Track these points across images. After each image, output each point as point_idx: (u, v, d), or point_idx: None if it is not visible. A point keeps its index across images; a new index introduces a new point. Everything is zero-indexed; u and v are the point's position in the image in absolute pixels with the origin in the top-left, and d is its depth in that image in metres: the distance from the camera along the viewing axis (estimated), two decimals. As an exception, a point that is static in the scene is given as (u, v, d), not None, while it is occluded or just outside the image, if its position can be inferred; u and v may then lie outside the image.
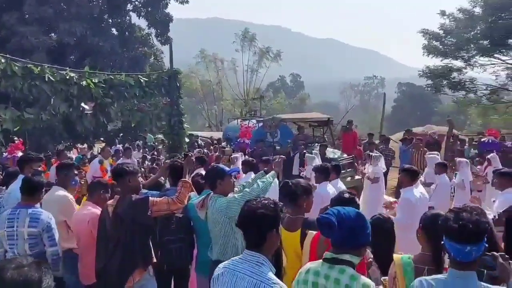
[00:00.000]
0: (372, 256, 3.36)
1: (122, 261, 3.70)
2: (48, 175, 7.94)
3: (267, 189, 4.01)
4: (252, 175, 5.25)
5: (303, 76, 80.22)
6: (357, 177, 11.30)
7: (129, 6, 27.33)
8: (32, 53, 20.25)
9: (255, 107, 27.31)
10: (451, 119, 14.45)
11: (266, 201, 2.44)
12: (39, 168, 5.27)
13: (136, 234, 3.75)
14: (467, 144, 13.68)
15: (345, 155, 12.44)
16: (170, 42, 20.35)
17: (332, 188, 5.93)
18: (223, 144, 14.34)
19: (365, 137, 15.55)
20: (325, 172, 6.02)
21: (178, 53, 18.50)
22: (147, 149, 16.31)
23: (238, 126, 15.92)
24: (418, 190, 5.60)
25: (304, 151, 10.86)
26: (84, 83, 14.60)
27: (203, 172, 5.84)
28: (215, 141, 15.31)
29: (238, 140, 13.32)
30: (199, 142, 16.73)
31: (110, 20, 27.20)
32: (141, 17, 27.50)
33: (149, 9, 27.06)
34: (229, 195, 3.93)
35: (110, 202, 4.00)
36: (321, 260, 2.43)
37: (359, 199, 4.29)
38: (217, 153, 12.01)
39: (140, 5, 27.33)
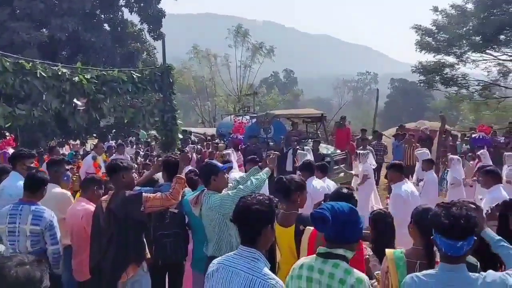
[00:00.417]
0: (371, 252, 3.39)
1: (115, 257, 3.70)
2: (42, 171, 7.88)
3: (261, 185, 4.01)
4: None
5: (297, 72, 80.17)
6: (350, 172, 11.36)
7: (121, 2, 27.14)
8: (23, 49, 20.05)
9: (248, 103, 27.32)
10: (443, 114, 14.51)
11: (261, 197, 2.45)
12: (32, 165, 5.23)
13: (129, 230, 3.75)
14: (459, 140, 13.78)
15: (338, 151, 12.50)
16: (163, 38, 20.18)
17: (320, 182, 5.99)
18: (217, 140, 14.34)
19: (358, 133, 15.60)
20: (309, 169, 6.03)
21: (171, 49, 18.43)
22: (140, 145, 16.27)
23: (231, 122, 15.93)
24: (408, 185, 5.69)
25: (297, 147, 10.88)
26: (76, 79, 14.49)
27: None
28: (208, 137, 15.29)
29: (231, 136, 13.34)
30: (193, 138, 16.70)
31: (102, 16, 27.02)
32: (133, 13, 27.33)
33: (142, 4, 26.90)
34: (223, 191, 3.93)
35: (104, 198, 4.00)
36: (314, 255, 2.45)
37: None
38: (210, 150, 12.02)
39: (132, 1, 27.14)
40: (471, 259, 2.56)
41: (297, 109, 23.93)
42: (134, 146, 15.87)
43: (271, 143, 12.51)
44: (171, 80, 16.10)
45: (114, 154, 11.16)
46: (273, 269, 3.45)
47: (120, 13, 27.48)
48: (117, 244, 3.73)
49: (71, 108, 14.81)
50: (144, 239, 3.99)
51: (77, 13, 23.68)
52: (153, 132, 18.79)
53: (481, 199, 5.77)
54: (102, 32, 25.51)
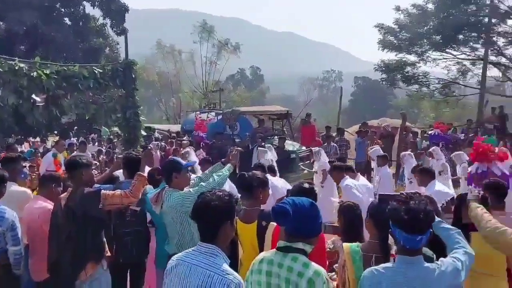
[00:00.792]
0: (339, 244, 3.40)
1: (74, 254, 3.63)
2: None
3: (223, 182, 4.01)
4: None
5: (263, 69, 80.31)
6: (314, 169, 11.49)
7: (83, -5, 26.53)
8: (-22, 43, 19.30)
9: (214, 100, 27.17)
10: (404, 112, 14.92)
11: (221, 193, 2.44)
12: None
13: (88, 227, 3.68)
14: (419, 137, 14.18)
15: (303, 148, 12.62)
16: (126, 33, 19.79)
17: (279, 180, 6.31)
18: (185, 138, 14.16)
19: (324, 130, 15.80)
20: (262, 170, 6.14)
21: (135, 45, 18.14)
22: (102, 143, 15.92)
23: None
24: (352, 180, 6.12)
25: (262, 143, 10.91)
26: (34, 74, 13.99)
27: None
28: (173, 134, 15.13)
29: (192, 133, 13.27)
30: (156, 135, 16.48)
31: (63, 10, 26.28)
32: (95, 7, 26.71)
33: (104, -2, 26.36)
34: (184, 189, 3.89)
35: (63, 195, 3.90)
36: (274, 249, 2.47)
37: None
38: (174, 147, 11.89)
39: (94, -6, 26.56)
40: (428, 252, 2.64)
41: (263, 106, 24.02)
42: (96, 144, 15.52)
43: (237, 140, 12.51)
44: (133, 76, 15.76)
45: (75, 152, 10.89)
46: (235, 265, 3.46)
47: (81, 7, 26.82)
48: (76, 242, 3.65)
49: (30, 104, 14.32)
50: (104, 237, 3.93)
51: (36, 6, 22.93)
52: (116, 129, 18.41)
53: None
54: (63, 26, 24.86)
